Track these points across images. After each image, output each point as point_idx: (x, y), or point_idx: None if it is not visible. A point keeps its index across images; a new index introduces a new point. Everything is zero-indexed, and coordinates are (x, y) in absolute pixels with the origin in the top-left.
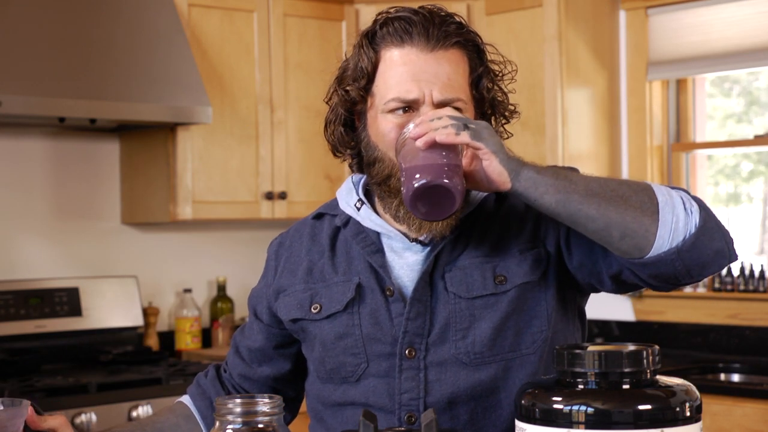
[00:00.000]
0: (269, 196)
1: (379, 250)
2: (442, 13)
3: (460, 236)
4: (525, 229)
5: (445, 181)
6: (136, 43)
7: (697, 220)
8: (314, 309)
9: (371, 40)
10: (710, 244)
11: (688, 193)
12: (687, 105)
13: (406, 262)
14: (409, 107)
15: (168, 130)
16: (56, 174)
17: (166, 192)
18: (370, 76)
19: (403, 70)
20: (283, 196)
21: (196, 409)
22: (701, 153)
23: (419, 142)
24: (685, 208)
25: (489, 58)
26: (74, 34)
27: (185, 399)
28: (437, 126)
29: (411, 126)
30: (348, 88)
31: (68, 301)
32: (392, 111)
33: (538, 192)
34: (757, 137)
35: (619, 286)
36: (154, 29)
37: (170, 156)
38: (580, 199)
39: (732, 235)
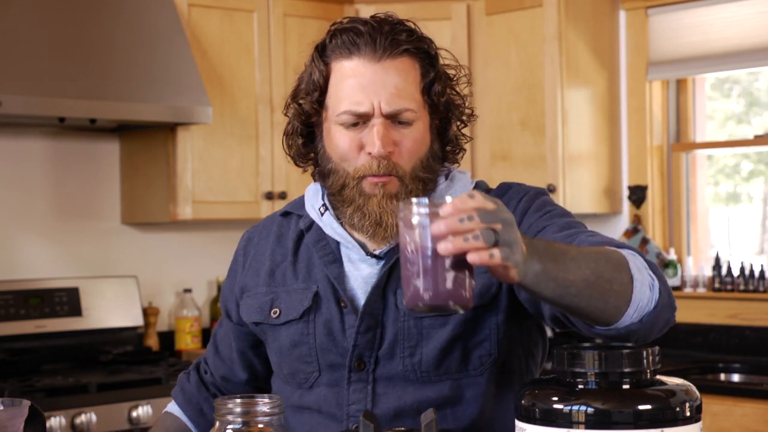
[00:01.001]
0: (269, 196)
1: (337, 260)
2: (393, 21)
3: None
4: None
5: (454, 301)
6: (136, 43)
7: (657, 296)
8: (274, 313)
9: (321, 52)
10: (662, 317)
11: (644, 258)
12: (687, 105)
13: (361, 274)
14: (361, 119)
15: (168, 130)
16: (56, 174)
17: (166, 192)
18: (323, 89)
19: (353, 82)
20: (283, 196)
21: (188, 420)
22: (701, 153)
23: (443, 249)
24: (650, 285)
25: (443, 62)
26: (74, 34)
27: (174, 409)
28: (465, 230)
29: (424, 201)
30: (301, 101)
31: (68, 301)
32: (344, 124)
33: (539, 287)
34: (757, 137)
35: (559, 326)
36: (154, 29)
37: (170, 156)
38: (575, 292)
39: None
